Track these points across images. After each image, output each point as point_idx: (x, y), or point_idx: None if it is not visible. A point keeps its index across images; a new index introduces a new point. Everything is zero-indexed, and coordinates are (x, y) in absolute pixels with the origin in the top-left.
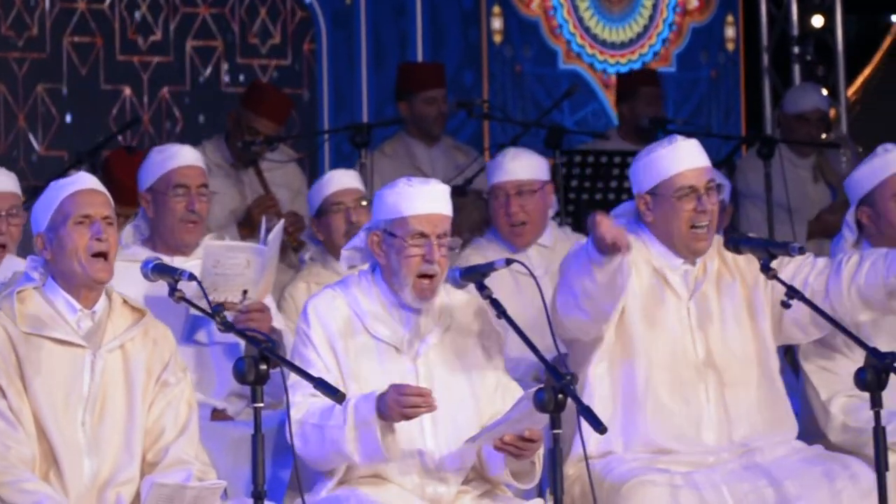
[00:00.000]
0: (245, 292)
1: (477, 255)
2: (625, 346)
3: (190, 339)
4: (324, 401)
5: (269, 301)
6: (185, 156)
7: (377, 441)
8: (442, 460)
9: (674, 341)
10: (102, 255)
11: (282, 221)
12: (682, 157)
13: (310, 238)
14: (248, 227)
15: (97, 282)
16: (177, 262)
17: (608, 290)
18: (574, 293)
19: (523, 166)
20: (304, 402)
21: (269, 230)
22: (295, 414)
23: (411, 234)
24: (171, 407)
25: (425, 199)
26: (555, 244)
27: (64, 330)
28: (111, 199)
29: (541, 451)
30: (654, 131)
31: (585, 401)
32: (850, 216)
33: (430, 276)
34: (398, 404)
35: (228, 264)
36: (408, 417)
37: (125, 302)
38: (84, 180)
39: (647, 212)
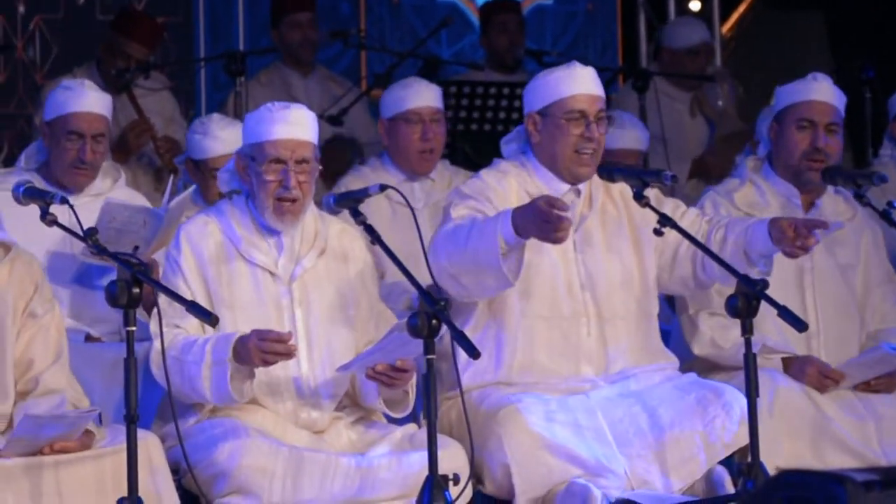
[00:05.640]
0: (136, 248)
1: (358, 182)
2: None
3: (82, 281)
4: (186, 335)
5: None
6: (86, 101)
7: (227, 382)
8: (316, 386)
9: (555, 276)
10: None
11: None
12: (578, 81)
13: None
14: (122, 150)
15: None
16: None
17: (497, 273)
18: (457, 264)
19: (434, 95)
20: (168, 333)
21: (172, 196)
22: (158, 345)
23: (268, 159)
24: (40, 337)
25: (282, 123)
26: (437, 176)
27: None
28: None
29: (414, 381)
30: (521, 63)
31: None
32: (763, 127)
33: (292, 200)
34: (259, 349)
35: (125, 222)
36: (267, 363)
37: None
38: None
39: (534, 132)
